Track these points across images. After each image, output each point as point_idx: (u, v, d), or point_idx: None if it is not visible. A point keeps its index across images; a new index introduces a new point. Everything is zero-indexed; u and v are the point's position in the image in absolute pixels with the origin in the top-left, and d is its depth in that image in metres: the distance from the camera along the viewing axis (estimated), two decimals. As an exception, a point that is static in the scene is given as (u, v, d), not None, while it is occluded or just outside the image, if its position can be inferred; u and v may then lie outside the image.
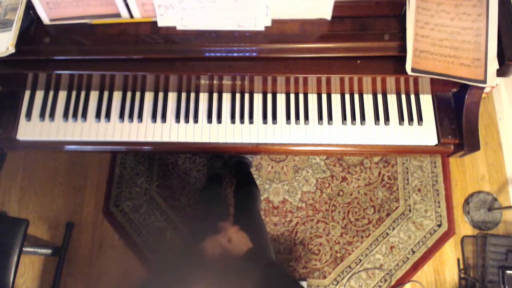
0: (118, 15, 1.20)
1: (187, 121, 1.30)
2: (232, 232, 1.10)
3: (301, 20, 1.20)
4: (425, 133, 1.29)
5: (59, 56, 1.20)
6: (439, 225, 2.07)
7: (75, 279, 2.02)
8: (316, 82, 1.26)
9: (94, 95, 1.33)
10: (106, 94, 1.33)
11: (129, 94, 1.33)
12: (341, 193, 2.13)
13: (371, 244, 2.05)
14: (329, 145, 1.29)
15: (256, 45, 1.18)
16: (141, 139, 1.30)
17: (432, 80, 1.23)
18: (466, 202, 2.10)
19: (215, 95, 1.32)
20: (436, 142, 1.29)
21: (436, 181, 2.13)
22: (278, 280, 1.01)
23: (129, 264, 2.02)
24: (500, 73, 1.15)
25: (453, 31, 1.14)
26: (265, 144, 1.29)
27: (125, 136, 1.29)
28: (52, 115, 1.30)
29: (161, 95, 1.33)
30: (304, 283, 1.95)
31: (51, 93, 1.32)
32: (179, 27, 1.19)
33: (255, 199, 1.64)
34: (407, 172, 2.15)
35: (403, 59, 1.16)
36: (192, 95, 1.33)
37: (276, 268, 1.07)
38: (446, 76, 1.15)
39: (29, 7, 1.17)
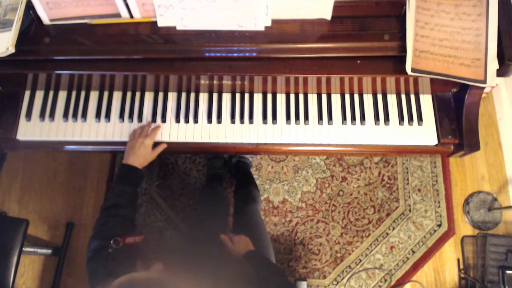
0: (118, 15, 1.20)
1: (187, 121, 1.30)
2: (234, 236, 1.12)
3: (301, 20, 1.20)
4: (425, 133, 1.29)
5: (59, 56, 1.20)
6: (439, 225, 2.07)
7: (75, 279, 2.02)
8: (316, 82, 1.26)
9: (94, 95, 1.33)
10: (106, 94, 1.33)
11: (129, 94, 1.33)
12: (341, 193, 2.12)
13: (371, 244, 2.05)
14: (329, 145, 1.29)
15: (256, 45, 1.18)
16: (141, 139, 1.30)
17: (432, 80, 1.23)
18: (466, 202, 2.10)
19: (215, 95, 1.32)
20: (436, 142, 1.28)
21: (436, 181, 2.13)
22: (269, 272, 1.00)
23: (129, 264, 2.02)
24: (500, 73, 1.15)
25: (453, 31, 1.14)
26: (265, 144, 1.29)
27: (125, 136, 1.29)
28: (52, 115, 1.30)
29: (161, 95, 1.33)
30: (304, 283, 1.95)
31: (51, 93, 1.32)
32: (179, 27, 1.19)
33: (255, 199, 1.63)
34: (407, 172, 2.15)
35: (403, 59, 1.15)
36: (192, 95, 1.33)
37: (270, 264, 1.07)
38: (446, 76, 1.15)
39: (29, 7, 1.17)
